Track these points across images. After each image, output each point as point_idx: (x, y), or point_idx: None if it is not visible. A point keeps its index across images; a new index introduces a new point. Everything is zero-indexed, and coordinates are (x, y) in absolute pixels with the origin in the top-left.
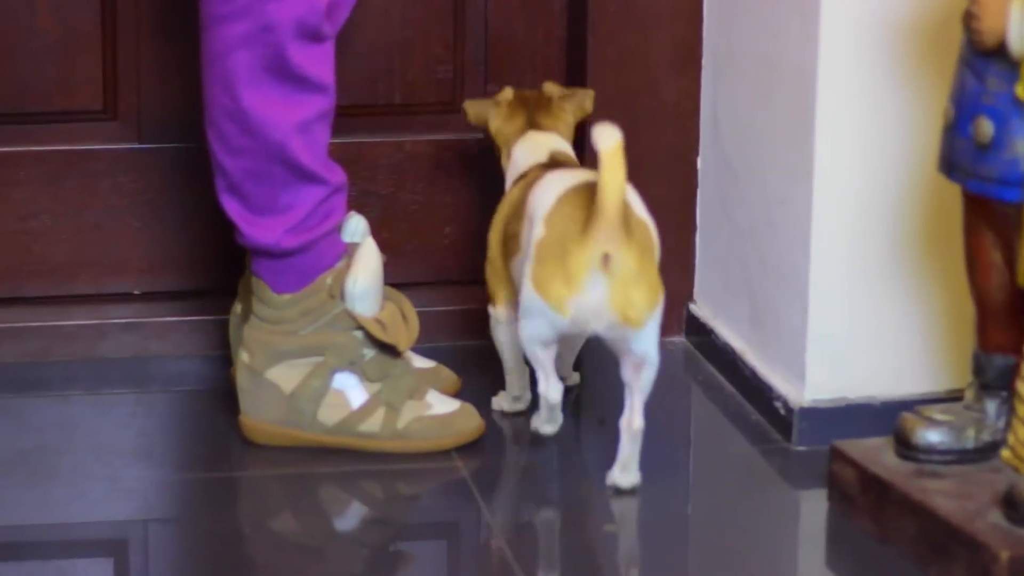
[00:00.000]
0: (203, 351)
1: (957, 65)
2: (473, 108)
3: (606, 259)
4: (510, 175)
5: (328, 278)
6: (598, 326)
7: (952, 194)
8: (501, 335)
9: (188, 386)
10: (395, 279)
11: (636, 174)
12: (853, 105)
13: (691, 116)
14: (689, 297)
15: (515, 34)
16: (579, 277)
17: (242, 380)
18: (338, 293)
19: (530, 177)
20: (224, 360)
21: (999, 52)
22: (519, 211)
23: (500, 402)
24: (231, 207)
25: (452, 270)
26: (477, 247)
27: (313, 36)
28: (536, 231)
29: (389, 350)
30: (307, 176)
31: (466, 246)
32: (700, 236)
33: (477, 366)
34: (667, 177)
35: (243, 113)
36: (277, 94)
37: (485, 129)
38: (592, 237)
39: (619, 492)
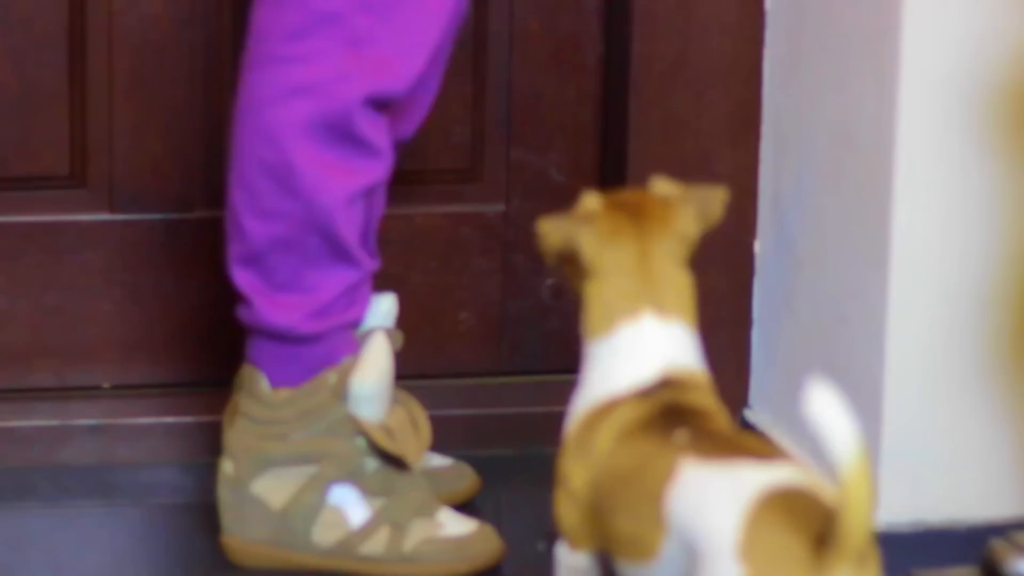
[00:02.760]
0: (182, 458)
1: None
2: (556, 231)
3: None
4: (596, 375)
5: (332, 375)
6: None
7: None
8: None
9: (163, 499)
10: (402, 372)
11: None
12: (938, 182)
13: (749, 193)
14: (744, 402)
15: (542, 92)
16: None
17: (224, 494)
18: (342, 393)
19: (641, 445)
20: (208, 469)
21: None
22: (623, 493)
23: None
24: (246, 280)
25: (469, 362)
26: (497, 335)
27: (383, 106)
28: (720, 570)
29: (395, 462)
30: (343, 255)
31: (485, 334)
32: (758, 332)
33: (497, 479)
34: (720, 264)
35: (288, 169)
36: (332, 155)
37: (563, 265)
38: None
39: None
